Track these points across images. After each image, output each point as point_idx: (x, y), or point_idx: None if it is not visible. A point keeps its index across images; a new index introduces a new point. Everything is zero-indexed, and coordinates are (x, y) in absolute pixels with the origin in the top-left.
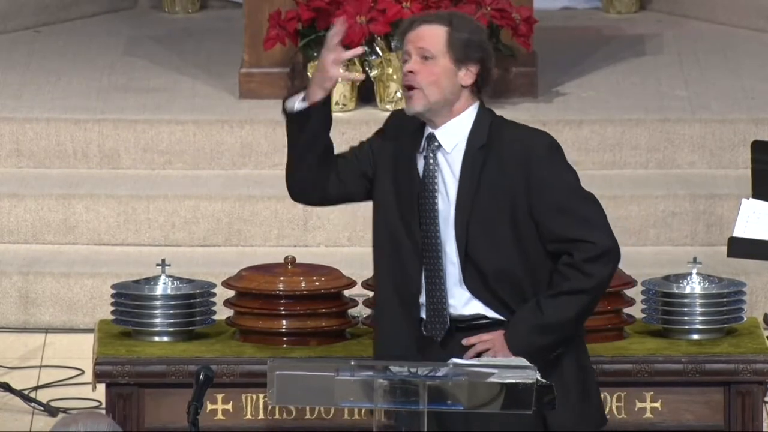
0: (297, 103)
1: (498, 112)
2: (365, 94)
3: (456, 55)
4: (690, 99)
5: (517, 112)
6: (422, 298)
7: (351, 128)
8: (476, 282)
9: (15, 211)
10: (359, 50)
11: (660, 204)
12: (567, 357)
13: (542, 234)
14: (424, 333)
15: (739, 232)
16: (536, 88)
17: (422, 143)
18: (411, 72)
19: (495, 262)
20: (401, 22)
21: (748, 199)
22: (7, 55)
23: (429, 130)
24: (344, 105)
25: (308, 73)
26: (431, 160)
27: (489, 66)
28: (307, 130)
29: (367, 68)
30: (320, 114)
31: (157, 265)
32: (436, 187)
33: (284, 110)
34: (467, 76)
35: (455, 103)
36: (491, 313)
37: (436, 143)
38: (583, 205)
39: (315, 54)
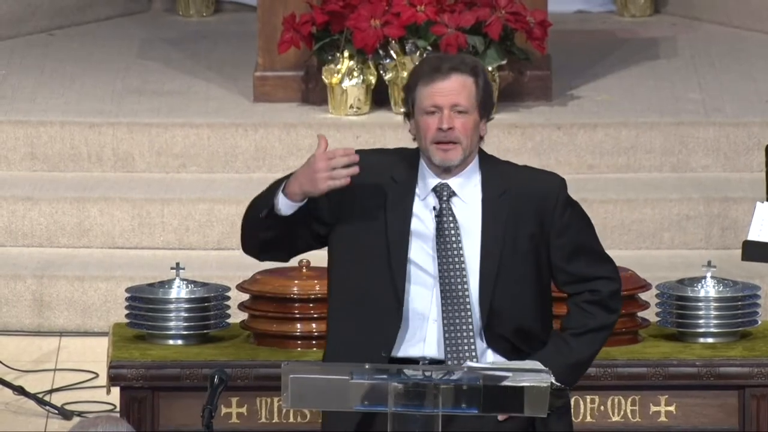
0: (284, 207)
1: (512, 116)
2: (379, 97)
3: (483, 108)
4: (704, 102)
5: (531, 115)
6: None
7: (365, 131)
8: (495, 336)
9: (29, 214)
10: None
11: (674, 207)
12: None
13: (560, 276)
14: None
15: (754, 235)
16: (550, 91)
17: (426, 194)
18: (451, 128)
19: (518, 316)
20: (427, 59)
21: (762, 202)
22: (22, 59)
23: (438, 180)
24: (358, 108)
25: (322, 77)
26: (447, 212)
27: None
28: (288, 221)
29: (381, 71)
30: (303, 210)
31: (172, 268)
32: (459, 239)
33: (267, 206)
34: (484, 127)
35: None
36: (503, 359)
37: (448, 192)
38: (596, 239)
39: (329, 57)
